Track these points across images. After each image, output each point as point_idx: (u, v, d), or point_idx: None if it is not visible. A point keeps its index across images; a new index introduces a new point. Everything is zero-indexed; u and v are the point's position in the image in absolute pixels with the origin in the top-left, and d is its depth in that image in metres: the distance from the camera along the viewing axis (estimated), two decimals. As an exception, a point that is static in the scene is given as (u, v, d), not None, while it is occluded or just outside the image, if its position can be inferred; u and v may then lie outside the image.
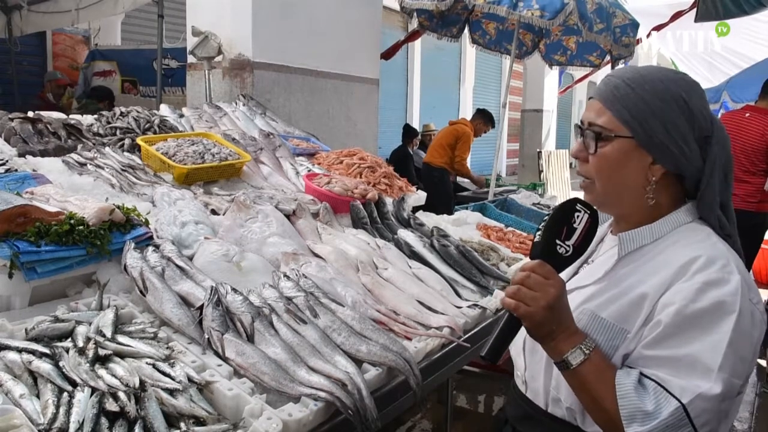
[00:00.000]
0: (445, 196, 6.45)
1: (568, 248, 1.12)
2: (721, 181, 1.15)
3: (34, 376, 1.27)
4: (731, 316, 1.01)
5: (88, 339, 1.39)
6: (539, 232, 1.14)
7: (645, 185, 1.15)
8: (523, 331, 1.12)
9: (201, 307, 1.60)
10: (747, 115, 4.96)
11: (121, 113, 3.12)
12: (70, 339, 1.41)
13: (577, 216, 1.13)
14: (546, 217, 1.15)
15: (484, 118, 7.05)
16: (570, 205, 1.14)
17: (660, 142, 1.11)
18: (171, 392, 1.28)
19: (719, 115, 6.12)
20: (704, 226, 1.17)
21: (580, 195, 1.23)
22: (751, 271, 5.46)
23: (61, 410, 1.16)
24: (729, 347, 1.00)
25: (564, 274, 1.16)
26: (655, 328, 1.06)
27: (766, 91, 4.94)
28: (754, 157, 4.79)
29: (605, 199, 1.19)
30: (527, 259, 2.94)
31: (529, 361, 1.28)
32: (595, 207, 1.17)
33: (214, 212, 2.35)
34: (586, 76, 10.34)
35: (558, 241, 1.11)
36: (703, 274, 1.05)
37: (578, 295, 1.20)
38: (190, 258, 1.91)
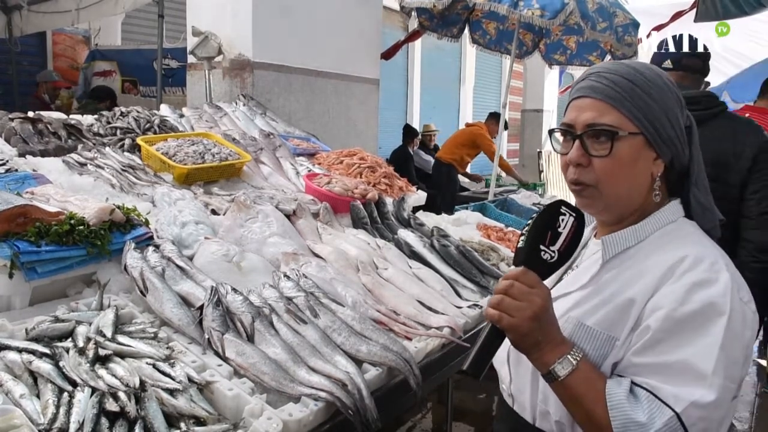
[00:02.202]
0: (450, 191, 7.08)
1: (553, 254, 1.06)
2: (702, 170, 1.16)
3: (34, 376, 1.27)
4: (722, 318, 0.98)
5: (88, 339, 1.39)
6: (522, 238, 1.08)
7: (652, 182, 1.13)
8: (506, 341, 1.07)
9: (201, 307, 1.60)
10: (747, 115, 4.95)
11: (122, 113, 3.12)
12: (70, 339, 1.41)
13: (562, 220, 1.07)
14: (529, 222, 1.10)
15: (496, 119, 7.58)
16: (554, 208, 1.08)
17: (667, 137, 1.10)
18: (171, 392, 1.28)
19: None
20: (689, 223, 1.14)
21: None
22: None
23: (62, 410, 1.16)
24: (721, 350, 0.96)
25: (548, 281, 1.11)
26: (644, 334, 1.02)
27: (765, 91, 4.93)
28: None
29: (615, 203, 1.13)
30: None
31: (514, 373, 1.23)
32: (588, 212, 1.13)
33: (214, 212, 2.35)
34: (586, 76, 10.31)
35: (542, 247, 1.06)
36: (690, 274, 1.02)
37: (563, 303, 1.16)
38: (191, 258, 1.91)
